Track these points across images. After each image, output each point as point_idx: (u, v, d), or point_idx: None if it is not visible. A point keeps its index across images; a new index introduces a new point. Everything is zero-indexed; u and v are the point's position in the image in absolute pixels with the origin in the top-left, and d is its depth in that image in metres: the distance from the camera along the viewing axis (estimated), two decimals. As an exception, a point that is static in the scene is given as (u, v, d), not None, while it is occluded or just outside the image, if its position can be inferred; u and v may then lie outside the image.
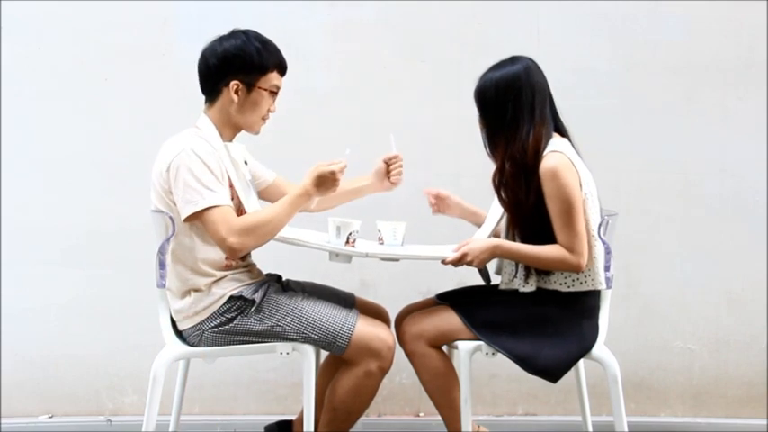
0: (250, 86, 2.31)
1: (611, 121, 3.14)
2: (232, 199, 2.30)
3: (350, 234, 2.33)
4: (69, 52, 3.11)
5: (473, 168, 3.04)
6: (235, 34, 2.33)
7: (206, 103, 2.37)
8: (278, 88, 2.36)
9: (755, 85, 3.14)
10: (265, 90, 2.32)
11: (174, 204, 2.24)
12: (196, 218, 2.21)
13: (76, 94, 3.11)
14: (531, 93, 2.32)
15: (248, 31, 2.34)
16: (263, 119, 2.38)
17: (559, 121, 2.41)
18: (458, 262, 2.31)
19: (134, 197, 2.98)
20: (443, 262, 2.33)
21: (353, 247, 2.34)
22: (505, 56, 2.39)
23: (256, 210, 2.34)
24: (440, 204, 2.65)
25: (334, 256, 2.35)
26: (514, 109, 2.31)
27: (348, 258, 2.36)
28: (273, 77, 2.33)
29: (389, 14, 3.12)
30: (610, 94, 3.14)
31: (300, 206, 2.30)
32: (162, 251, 2.30)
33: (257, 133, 2.40)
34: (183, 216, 2.21)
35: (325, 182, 2.27)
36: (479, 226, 2.59)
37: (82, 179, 3.13)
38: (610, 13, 3.13)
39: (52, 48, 3.11)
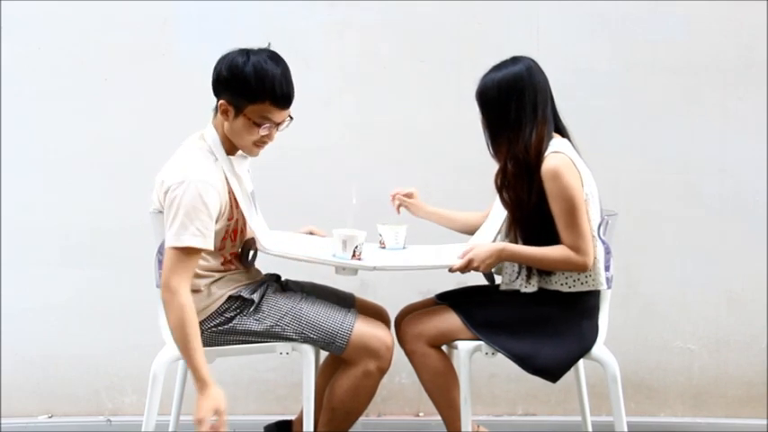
0: (238, 111, 2.22)
1: (611, 121, 3.14)
2: (230, 219, 2.28)
3: (356, 247, 2.30)
4: (69, 52, 3.10)
5: (473, 168, 3.04)
6: (245, 52, 2.23)
7: (213, 110, 2.32)
8: (268, 121, 2.23)
9: (755, 85, 3.14)
10: (250, 120, 2.22)
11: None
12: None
13: (76, 94, 3.11)
14: (534, 92, 2.32)
15: (257, 52, 2.23)
16: (256, 145, 2.28)
17: (559, 121, 2.41)
18: (464, 269, 2.31)
19: (134, 197, 2.97)
20: (450, 270, 2.32)
21: (360, 259, 2.31)
22: (505, 56, 2.39)
23: (195, 329, 2.16)
24: (407, 203, 2.67)
25: (341, 269, 2.32)
26: (517, 109, 2.31)
27: (355, 271, 2.33)
28: (264, 110, 2.21)
29: (389, 14, 3.12)
30: (610, 94, 3.13)
31: (194, 375, 2.14)
32: (161, 251, 2.29)
33: (255, 156, 2.33)
34: (167, 245, 2.17)
35: (201, 409, 2.10)
36: (457, 230, 2.64)
37: (82, 179, 3.13)
38: (610, 13, 3.12)
39: (52, 48, 3.10)
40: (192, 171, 2.18)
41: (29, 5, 3.09)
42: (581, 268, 2.28)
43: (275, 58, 2.25)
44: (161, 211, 2.26)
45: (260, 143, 2.28)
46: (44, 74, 3.11)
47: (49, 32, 3.10)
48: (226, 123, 2.25)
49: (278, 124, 2.27)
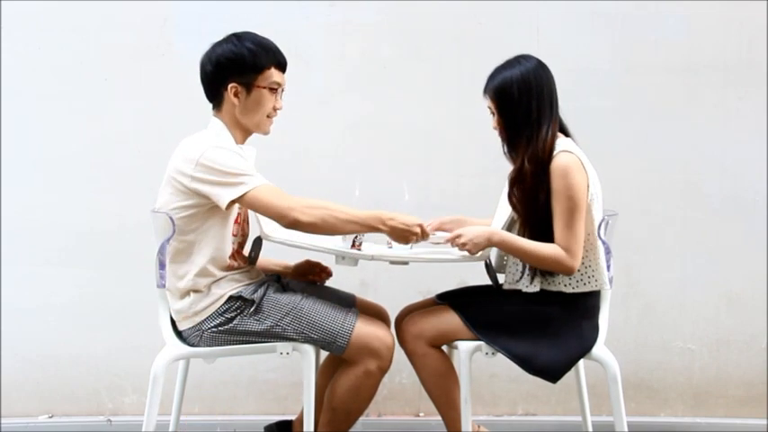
0: (249, 87, 2.31)
1: (611, 121, 3.14)
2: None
3: (356, 237, 2.32)
4: (69, 52, 3.11)
5: (473, 168, 3.05)
6: (228, 38, 2.34)
7: (213, 108, 2.37)
8: (279, 85, 2.35)
9: (755, 86, 3.14)
10: (264, 88, 2.33)
11: (205, 197, 2.22)
12: (243, 200, 2.20)
13: (76, 94, 3.11)
14: (551, 89, 2.33)
15: (242, 33, 2.35)
16: (269, 117, 2.38)
17: (561, 119, 2.41)
18: (451, 240, 2.30)
19: (134, 197, 2.98)
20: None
21: (360, 249, 2.33)
22: (506, 56, 2.38)
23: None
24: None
25: (341, 259, 2.33)
26: (538, 107, 2.30)
27: (354, 261, 2.33)
28: (271, 74, 2.33)
29: (389, 14, 3.12)
30: (610, 94, 3.14)
31: (369, 223, 2.23)
32: (161, 251, 2.29)
33: (267, 133, 2.40)
34: (232, 198, 2.19)
35: (402, 233, 2.24)
36: None
37: (82, 179, 3.13)
38: (610, 12, 3.13)
39: (52, 48, 3.10)
40: (211, 139, 2.28)
41: (29, 5, 3.09)
42: (567, 271, 2.27)
43: (259, 36, 2.36)
44: (160, 211, 2.27)
45: (272, 113, 2.38)
46: (44, 74, 3.11)
47: (49, 32, 3.10)
48: (238, 107, 2.32)
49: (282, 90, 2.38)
